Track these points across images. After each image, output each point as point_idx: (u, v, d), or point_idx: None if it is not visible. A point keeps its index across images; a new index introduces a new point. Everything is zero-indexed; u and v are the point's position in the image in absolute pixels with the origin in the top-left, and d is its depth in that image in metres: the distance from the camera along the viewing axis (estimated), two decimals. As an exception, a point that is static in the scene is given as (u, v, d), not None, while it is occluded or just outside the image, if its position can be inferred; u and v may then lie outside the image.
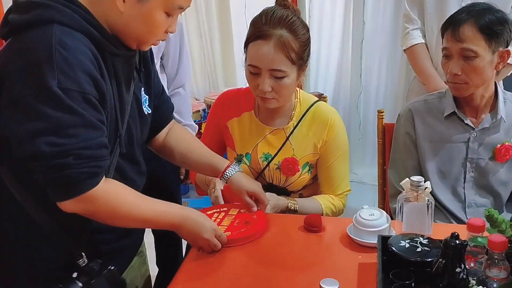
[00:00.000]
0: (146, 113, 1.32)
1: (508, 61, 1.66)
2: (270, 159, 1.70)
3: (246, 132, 1.74)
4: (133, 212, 1.18)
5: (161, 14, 1.12)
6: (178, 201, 2.24)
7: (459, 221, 1.73)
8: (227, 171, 1.50)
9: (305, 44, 1.58)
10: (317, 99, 1.77)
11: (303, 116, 1.71)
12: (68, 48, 1.02)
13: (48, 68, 0.99)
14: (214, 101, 1.90)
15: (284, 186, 1.72)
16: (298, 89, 1.74)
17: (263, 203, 1.54)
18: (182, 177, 2.26)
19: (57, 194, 1.07)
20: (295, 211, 1.64)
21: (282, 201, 1.63)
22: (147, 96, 1.33)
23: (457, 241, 1.04)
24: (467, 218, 1.73)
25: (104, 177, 1.12)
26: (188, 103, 2.28)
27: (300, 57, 1.57)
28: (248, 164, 1.73)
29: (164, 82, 2.18)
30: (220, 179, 1.52)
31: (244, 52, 1.60)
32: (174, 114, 2.20)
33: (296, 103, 1.73)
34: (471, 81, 1.60)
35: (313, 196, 1.74)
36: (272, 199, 1.59)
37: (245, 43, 1.59)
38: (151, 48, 1.29)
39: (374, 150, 3.48)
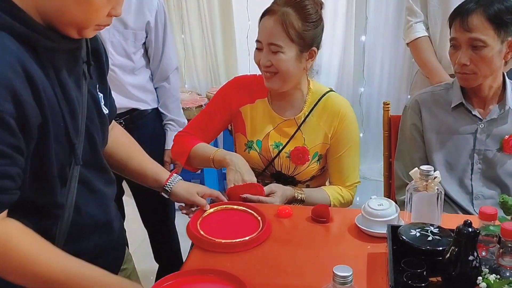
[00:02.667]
0: (104, 113, 1.16)
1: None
2: (281, 147, 1.71)
3: (258, 119, 1.75)
4: (29, 266, 0.93)
5: None
6: None
7: (466, 213, 1.72)
8: (169, 181, 1.42)
9: (310, 27, 1.59)
10: (329, 89, 1.78)
11: (314, 105, 1.72)
12: None
13: None
14: None
15: (293, 175, 1.73)
16: (310, 80, 1.75)
17: (219, 197, 1.50)
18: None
19: None
20: (302, 201, 1.64)
21: (289, 191, 1.63)
22: (101, 94, 1.17)
23: (470, 229, 1.03)
24: (474, 210, 1.72)
25: (3, 215, 0.92)
26: (175, 97, 2.23)
27: (301, 37, 1.58)
28: (259, 151, 1.73)
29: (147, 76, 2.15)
30: (161, 191, 1.43)
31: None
32: (160, 108, 2.19)
33: (308, 93, 1.73)
34: (480, 71, 1.59)
35: (321, 187, 1.74)
36: (279, 190, 1.58)
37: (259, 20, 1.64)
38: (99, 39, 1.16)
39: (377, 145, 3.53)
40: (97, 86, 1.16)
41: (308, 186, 1.76)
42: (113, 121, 1.34)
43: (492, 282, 1.00)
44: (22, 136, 0.91)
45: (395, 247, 1.18)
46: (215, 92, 1.86)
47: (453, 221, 1.28)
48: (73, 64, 1.05)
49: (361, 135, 3.69)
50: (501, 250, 1.05)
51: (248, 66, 3.50)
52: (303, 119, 1.71)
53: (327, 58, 3.69)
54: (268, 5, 1.62)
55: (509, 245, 1.04)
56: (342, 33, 3.58)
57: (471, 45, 1.57)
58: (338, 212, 1.49)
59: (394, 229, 1.23)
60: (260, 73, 1.68)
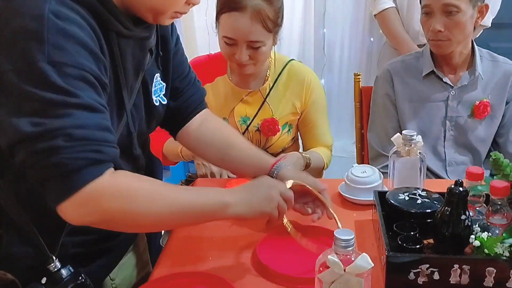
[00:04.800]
0: (156, 103, 1.11)
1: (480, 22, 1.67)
2: (248, 122, 1.69)
3: (221, 97, 1.71)
4: (157, 205, 0.91)
5: None
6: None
7: (441, 179, 1.73)
8: (276, 165, 1.23)
9: (280, 10, 1.56)
10: (291, 58, 1.76)
11: (278, 76, 1.70)
12: (64, 18, 0.82)
13: (36, 39, 0.80)
14: None
15: (265, 148, 1.71)
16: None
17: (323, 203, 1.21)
18: None
19: (52, 195, 0.84)
20: (307, 167, 1.61)
21: (298, 159, 1.59)
22: (163, 84, 1.13)
23: (461, 189, 1.02)
24: (448, 176, 1.74)
25: (112, 171, 0.87)
26: None
27: (276, 23, 1.55)
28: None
29: None
30: (269, 174, 1.22)
31: (216, 22, 1.57)
32: None
33: (270, 63, 1.71)
34: (454, 37, 1.60)
35: (310, 150, 1.74)
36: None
37: (217, 13, 1.56)
38: (172, 25, 1.12)
39: (339, 123, 3.54)
40: (159, 75, 1.11)
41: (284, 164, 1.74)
42: (207, 110, 1.29)
43: (485, 239, 1.00)
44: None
45: (383, 212, 1.17)
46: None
47: (431, 186, 1.28)
48: (139, 53, 1.01)
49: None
50: (490, 209, 1.05)
51: (207, 47, 3.41)
52: (268, 90, 1.69)
53: (287, 38, 3.64)
54: None
55: (499, 203, 1.04)
56: (301, 11, 3.55)
57: (445, 11, 1.57)
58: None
59: (381, 195, 1.22)
60: (212, 53, 1.66)
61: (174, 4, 0.95)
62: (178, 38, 1.19)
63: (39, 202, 0.96)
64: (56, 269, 0.96)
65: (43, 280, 0.95)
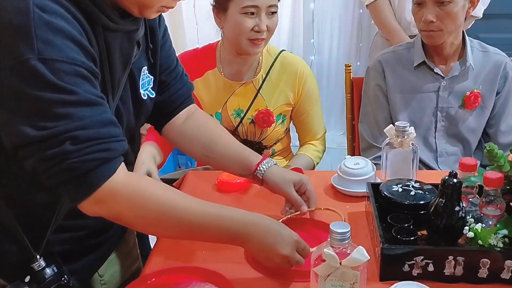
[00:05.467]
0: (144, 97, 1.08)
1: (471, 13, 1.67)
2: (242, 114, 1.68)
3: (212, 91, 1.69)
4: (167, 211, 0.91)
5: None
6: None
7: (432, 170, 1.74)
8: (262, 164, 1.20)
9: None
10: (282, 49, 1.76)
11: (271, 67, 1.69)
12: (49, 12, 0.80)
13: (23, 35, 0.78)
14: None
15: (260, 141, 1.71)
16: None
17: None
18: None
19: (70, 195, 0.85)
20: None
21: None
22: (151, 77, 1.10)
23: (455, 180, 1.02)
24: (439, 167, 1.74)
25: (123, 165, 0.88)
26: None
27: None
28: (220, 123, 1.65)
29: None
30: (254, 175, 1.21)
31: (228, 2, 1.55)
32: None
33: (262, 54, 1.70)
34: (446, 27, 1.59)
35: (298, 152, 1.76)
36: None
37: None
38: (160, 15, 1.09)
39: (328, 114, 3.54)
40: (146, 68, 1.08)
41: (273, 151, 1.76)
42: (194, 105, 1.26)
43: (479, 231, 1.00)
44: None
45: (377, 204, 1.17)
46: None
47: (423, 177, 1.28)
48: (126, 46, 0.98)
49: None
50: (484, 200, 1.05)
51: (196, 39, 3.38)
52: (261, 81, 1.68)
53: (276, 30, 3.62)
54: None
55: (492, 194, 1.04)
56: (290, 2, 3.53)
57: (437, 1, 1.57)
58: (312, 174, 1.47)
59: (374, 187, 1.22)
60: (199, 46, 1.67)
61: None
62: (166, 29, 1.16)
63: (24, 201, 0.95)
64: (40, 268, 0.95)
65: (27, 279, 0.94)
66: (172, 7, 0.96)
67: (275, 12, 1.57)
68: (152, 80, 1.11)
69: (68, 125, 0.80)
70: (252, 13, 1.53)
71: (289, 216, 1.19)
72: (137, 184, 0.90)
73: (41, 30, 0.79)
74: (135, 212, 0.89)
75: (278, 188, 1.20)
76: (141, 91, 1.07)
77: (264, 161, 1.20)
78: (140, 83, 1.06)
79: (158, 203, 0.90)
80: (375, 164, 1.46)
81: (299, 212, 1.19)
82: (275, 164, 1.22)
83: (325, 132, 1.83)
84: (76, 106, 0.81)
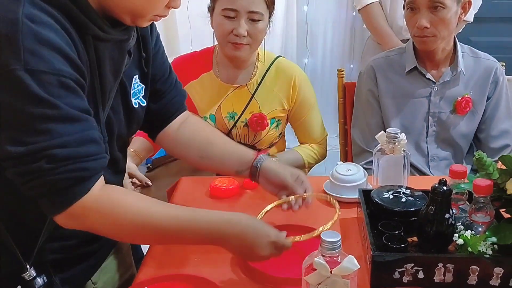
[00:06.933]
0: (135, 105, 1.08)
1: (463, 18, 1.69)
2: (236, 117, 1.69)
3: (207, 94, 1.71)
4: (140, 221, 0.92)
5: None
6: None
7: (423, 175, 1.75)
8: (259, 156, 1.21)
9: None
10: (278, 55, 1.77)
11: (266, 72, 1.71)
12: (38, 22, 0.80)
13: (10, 45, 0.78)
14: None
15: (253, 144, 1.72)
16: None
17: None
18: None
19: (45, 209, 0.88)
20: None
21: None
22: (143, 85, 1.10)
23: (445, 187, 1.03)
24: (430, 171, 1.76)
25: (100, 181, 0.90)
26: None
27: (272, 2, 1.58)
28: (214, 125, 1.70)
29: None
30: (252, 166, 1.20)
31: (213, 2, 1.58)
32: None
33: (257, 58, 1.71)
34: (439, 33, 1.60)
35: (293, 148, 1.77)
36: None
37: None
38: (151, 25, 1.09)
39: (323, 117, 3.55)
40: (137, 76, 1.08)
41: (268, 154, 1.74)
42: (187, 112, 1.27)
43: (469, 238, 1.01)
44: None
45: (368, 210, 1.18)
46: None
47: (414, 183, 1.29)
48: (118, 56, 0.98)
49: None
50: (473, 207, 1.06)
51: (190, 41, 3.38)
52: (256, 86, 1.69)
53: (269, 32, 3.63)
54: None
55: (481, 201, 1.05)
56: (283, 5, 3.54)
57: (431, 7, 1.58)
58: (304, 180, 1.46)
59: (365, 193, 1.23)
60: (197, 50, 1.67)
61: (154, 7, 0.92)
62: (158, 37, 1.16)
63: (14, 211, 0.95)
64: (31, 278, 0.95)
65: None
66: (165, 16, 0.97)
67: (259, 20, 1.55)
68: (144, 88, 1.11)
69: (46, 142, 0.81)
70: (232, 17, 1.54)
71: (283, 201, 1.17)
72: (107, 198, 0.90)
73: (29, 41, 0.79)
74: (107, 225, 0.92)
75: (274, 176, 1.19)
76: (133, 100, 1.07)
77: (262, 154, 1.22)
78: (132, 91, 1.06)
79: (131, 213, 0.92)
80: (367, 168, 1.47)
81: (293, 198, 1.17)
82: (269, 157, 1.24)
83: (326, 135, 1.83)
84: (57, 122, 0.82)
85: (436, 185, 1.04)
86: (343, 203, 1.34)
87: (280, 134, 1.78)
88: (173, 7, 0.95)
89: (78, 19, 0.87)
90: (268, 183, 1.21)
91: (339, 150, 2.05)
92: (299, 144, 1.82)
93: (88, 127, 0.87)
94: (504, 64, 1.87)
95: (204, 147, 1.23)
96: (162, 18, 0.97)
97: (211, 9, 1.59)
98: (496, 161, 1.07)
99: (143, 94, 1.11)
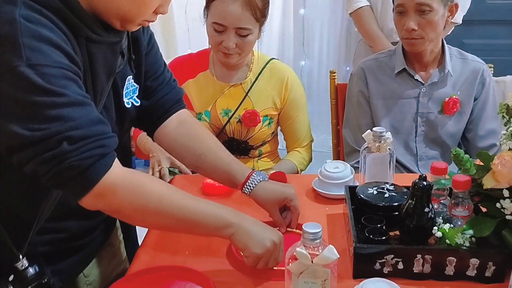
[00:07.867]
0: (128, 105, 1.11)
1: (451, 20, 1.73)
2: (230, 114, 1.74)
3: (203, 92, 1.77)
4: (166, 206, 0.97)
5: None
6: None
7: (412, 173, 1.80)
8: (249, 181, 1.22)
9: (267, 1, 1.63)
10: (272, 57, 1.83)
11: (260, 72, 1.77)
12: (35, 22, 0.85)
13: (11, 44, 0.82)
14: None
15: (246, 140, 1.77)
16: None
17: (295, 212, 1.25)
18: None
19: (72, 193, 0.90)
20: None
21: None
22: (136, 86, 1.14)
23: (425, 183, 1.08)
24: (419, 170, 1.80)
25: (118, 161, 0.93)
26: None
27: (263, 14, 1.62)
28: (208, 121, 1.76)
29: None
30: (242, 191, 1.24)
31: (206, 10, 1.63)
32: None
33: (252, 59, 1.78)
34: (427, 35, 1.65)
35: (283, 158, 1.83)
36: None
37: (207, 0, 1.61)
38: (144, 27, 1.11)
39: (318, 118, 3.59)
40: (131, 77, 1.12)
41: (260, 152, 1.83)
42: (185, 111, 1.28)
43: (447, 230, 1.06)
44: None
45: (354, 206, 1.22)
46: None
47: (401, 180, 1.34)
48: (110, 57, 1.02)
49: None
50: (453, 201, 1.11)
51: (188, 43, 3.43)
52: (250, 85, 1.75)
53: (266, 35, 3.67)
54: None
55: (460, 196, 1.10)
56: (280, 9, 3.59)
57: (418, 10, 1.63)
58: (294, 178, 1.52)
59: (351, 190, 1.28)
60: (191, 53, 1.73)
61: (142, 13, 0.96)
62: (151, 36, 1.19)
63: (7, 204, 0.98)
64: (23, 268, 0.97)
65: (11, 278, 0.97)
66: (153, 21, 1.01)
67: (248, 35, 1.59)
68: (138, 89, 1.15)
69: (61, 126, 0.84)
70: (221, 31, 1.58)
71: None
72: (135, 177, 0.95)
73: (28, 39, 0.83)
74: (134, 204, 0.94)
75: (263, 206, 1.24)
76: (125, 100, 1.11)
77: (250, 179, 1.22)
78: (124, 91, 1.10)
79: (156, 194, 0.96)
80: (357, 167, 1.52)
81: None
82: (261, 180, 1.22)
83: (312, 141, 1.88)
84: (66, 107, 0.85)
85: (417, 180, 1.08)
86: (331, 200, 1.39)
87: (273, 133, 1.83)
88: (161, 13, 0.98)
89: (72, 22, 0.91)
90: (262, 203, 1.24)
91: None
92: (286, 151, 1.87)
93: (94, 110, 0.91)
94: (493, 65, 1.93)
95: (198, 157, 1.24)
96: (162, 19, 1.02)
97: (206, 16, 1.64)
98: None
99: (137, 94, 1.14)
